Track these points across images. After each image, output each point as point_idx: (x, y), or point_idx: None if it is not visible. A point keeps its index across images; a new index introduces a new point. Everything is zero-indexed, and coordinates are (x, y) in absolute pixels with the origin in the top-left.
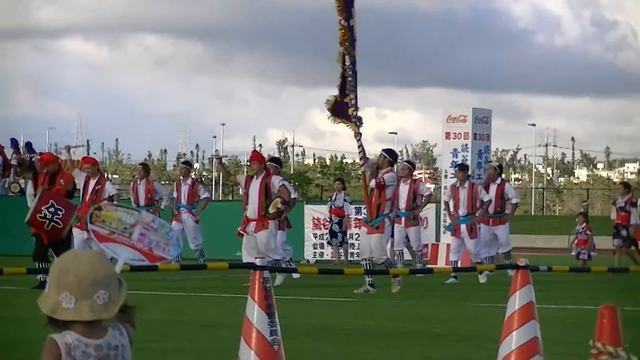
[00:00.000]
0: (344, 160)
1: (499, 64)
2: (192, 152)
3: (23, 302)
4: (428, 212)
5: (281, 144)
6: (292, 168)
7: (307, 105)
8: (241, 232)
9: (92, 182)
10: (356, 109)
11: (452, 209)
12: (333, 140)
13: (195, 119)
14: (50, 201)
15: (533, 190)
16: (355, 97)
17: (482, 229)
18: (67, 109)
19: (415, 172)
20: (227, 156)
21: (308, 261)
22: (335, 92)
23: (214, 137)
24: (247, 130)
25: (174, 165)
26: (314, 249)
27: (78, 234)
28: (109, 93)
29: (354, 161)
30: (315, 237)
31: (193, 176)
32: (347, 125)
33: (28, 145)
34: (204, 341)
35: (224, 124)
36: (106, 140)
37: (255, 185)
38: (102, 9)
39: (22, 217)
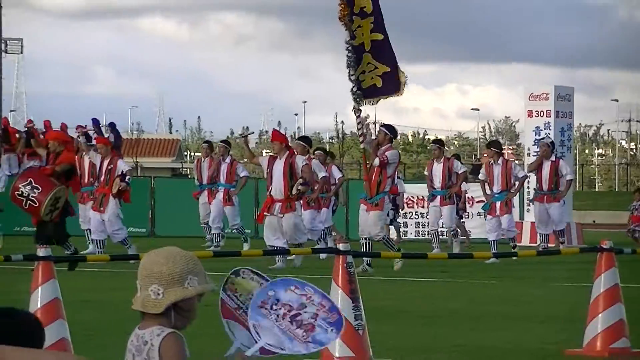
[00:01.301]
0: (426, 137)
1: (580, 39)
2: (274, 129)
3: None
4: None
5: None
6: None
7: None
8: (264, 212)
9: (105, 162)
10: (356, 84)
11: (487, 188)
12: (415, 117)
13: (276, 97)
14: (29, 179)
15: (617, 166)
16: (355, 73)
17: (536, 207)
18: (148, 88)
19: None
20: (252, 133)
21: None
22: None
23: (296, 114)
24: (329, 107)
25: (257, 143)
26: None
27: (95, 215)
28: (190, 71)
29: (436, 137)
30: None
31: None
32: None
33: (111, 125)
34: None
35: (305, 102)
36: (188, 119)
37: (279, 165)
38: None
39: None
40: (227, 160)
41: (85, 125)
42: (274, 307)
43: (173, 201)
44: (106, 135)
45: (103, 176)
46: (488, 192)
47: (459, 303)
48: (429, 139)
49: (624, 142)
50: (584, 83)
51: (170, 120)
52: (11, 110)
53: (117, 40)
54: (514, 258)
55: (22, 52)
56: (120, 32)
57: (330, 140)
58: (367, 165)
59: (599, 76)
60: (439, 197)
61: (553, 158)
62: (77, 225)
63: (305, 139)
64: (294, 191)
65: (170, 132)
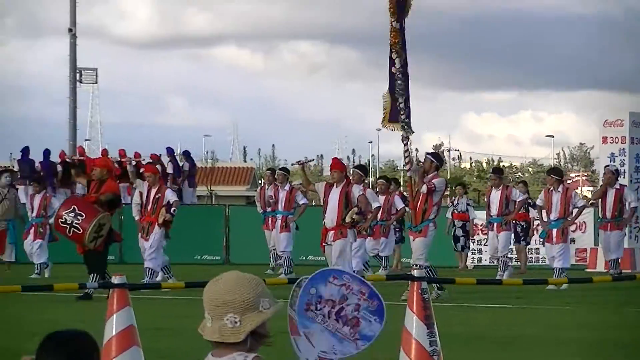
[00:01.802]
0: (501, 164)
1: None
2: (348, 157)
3: (180, 312)
4: (585, 217)
5: (437, 148)
6: (449, 172)
7: (462, 110)
8: (322, 244)
9: (153, 191)
10: (405, 113)
11: (544, 215)
12: (489, 144)
13: (350, 125)
14: (72, 206)
15: None
16: (405, 101)
17: (601, 235)
18: (222, 117)
19: (571, 175)
20: (312, 160)
21: (466, 267)
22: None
23: (370, 142)
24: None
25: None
26: (472, 254)
27: (144, 244)
28: (264, 100)
29: (511, 164)
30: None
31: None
32: (399, 130)
33: (186, 153)
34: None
35: (379, 129)
36: (262, 147)
37: (335, 193)
38: (255, 17)
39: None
40: (286, 187)
41: (159, 155)
42: (319, 306)
43: (247, 229)
44: (181, 164)
45: (150, 205)
46: (545, 219)
47: (535, 329)
48: (503, 165)
49: None
50: None
51: (244, 148)
52: (86, 140)
53: (191, 70)
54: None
55: (96, 82)
56: (193, 62)
57: (404, 168)
58: (412, 193)
59: None
60: (495, 224)
61: (617, 186)
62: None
63: (361, 167)
64: (348, 219)
65: (245, 161)
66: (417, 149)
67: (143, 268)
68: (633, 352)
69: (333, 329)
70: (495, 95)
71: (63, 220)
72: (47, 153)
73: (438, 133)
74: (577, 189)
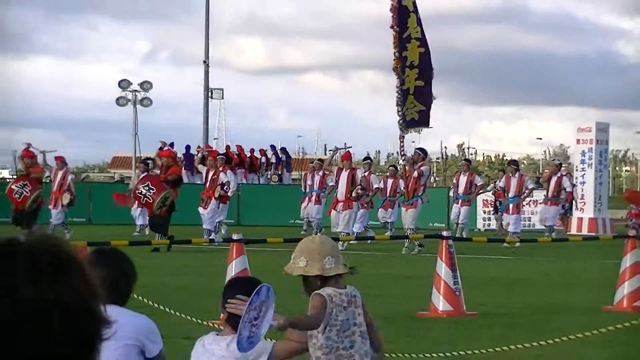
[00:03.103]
0: (504, 158)
1: (615, 88)
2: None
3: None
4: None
5: (460, 147)
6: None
7: (478, 119)
8: (331, 209)
9: (211, 173)
10: (402, 118)
11: (504, 194)
12: (497, 144)
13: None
14: (147, 182)
15: (638, 179)
16: (403, 109)
17: (543, 207)
18: (310, 123)
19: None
20: (350, 147)
21: (479, 229)
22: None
23: (413, 141)
24: (437, 137)
25: (384, 162)
26: (483, 220)
27: (202, 211)
28: (341, 112)
29: (512, 159)
30: (484, 212)
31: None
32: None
33: (283, 149)
34: (405, 288)
35: (420, 132)
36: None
37: (344, 176)
38: (334, 53)
39: (271, 198)
40: (320, 173)
41: (265, 150)
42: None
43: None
44: (280, 156)
45: (208, 183)
46: (504, 196)
47: (530, 275)
48: (506, 159)
49: None
50: (617, 120)
51: (325, 145)
52: (214, 139)
53: (289, 90)
54: (566, 242)
55: (222, 98)
56: (291, 84)
57: (437, 160)
58: (406, 177)
59: (627, 115)
60: (460, 200)
61: (559, 174)
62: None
63: (422, 149)
64: (354, 194)
65: (325, 154)
66: (445, 147)
67: (203, 229)
68: (595, 290)
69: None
70: (502, 109)
71: (139, 192)
72: (187, 147)
73: (461, 136)
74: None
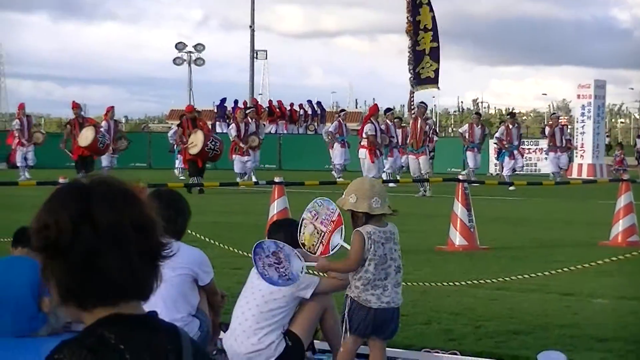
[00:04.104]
0: (513, 111)
1: (610, 51)
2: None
3: None
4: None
5: (475, 101)
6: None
7: (490, 77)
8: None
9: (243, 124)
10: (414, 76)
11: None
12: (507, 99)
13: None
14: (211, 137)
15: (631, 130)
16: (417, 68)
17: (551, 155)
18: (343, 80)
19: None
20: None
21: (491, 174)
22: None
23: (433, 96)
24: (454, 93)
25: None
26: (495, 166)
27: (239, 160)
28: (369, 70)
29: (520, 112)
30: (495, 158)
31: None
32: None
33: (318, 103)
34: (428, 225)
35: (439, 88)
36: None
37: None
38: (363, 19)
39: (308, 146)
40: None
41: (302, 104)
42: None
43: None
44: (316, 110)
45: (242, 133)
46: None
47: (535, 213)
48: (514, 112)
49: (636, 115)
50: (613, 77)
51: (356, 100)
52: (259, 94)
53: (324, 51)
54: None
55: (266, 58)
56: (326, 46)
57: (454, 113)
58: (415, 128)
59: (623, 73)
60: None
61: (560, 126)
62: None
63: (423, 103)
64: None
65: (356, 107)
66: (462, 101)
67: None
68: (592, 227)
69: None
70: (511, 68)
71: (209, 148)
72: (236, 102)
73: (475, 92)
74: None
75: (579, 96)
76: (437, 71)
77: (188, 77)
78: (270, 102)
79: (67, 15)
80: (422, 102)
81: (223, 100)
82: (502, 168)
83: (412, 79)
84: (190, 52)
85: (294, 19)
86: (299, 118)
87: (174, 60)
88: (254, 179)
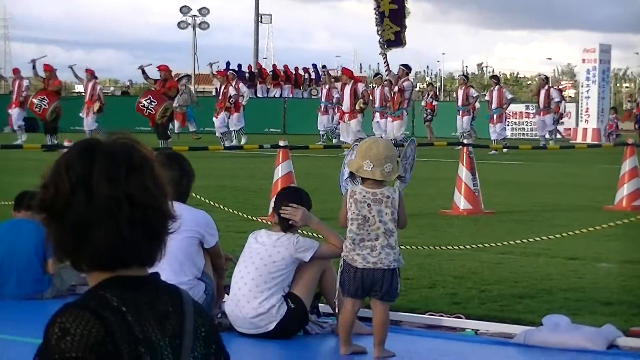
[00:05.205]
0: (519, 76)
1: (616, 15)
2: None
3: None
4: (570, 108)
5: (479, 66)
6: (485, 80)
7: (495, 41)
8: (339, 120)
9: (222, 88)
10: (381, 37)
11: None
12: (512, 63)
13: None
14: (148, 96)
15: (636, 93)
16: (380, 30)
17: (537, 118)
18: (348, 45)
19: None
20: (217, 62)
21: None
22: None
23: (438, 61)
24: (459, 57)
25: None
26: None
27: (219, 121)
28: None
29: (525, 76)
30: None
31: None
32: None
33: (324, 67)
34: (432, 189)
35: (444, 54)
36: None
37: (347, 90)
38: None
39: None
40: (326, 87)
41: (306, 68)
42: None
43: None
44: (321, 74)
45: (221, 96)
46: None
47: (539, 178)
48: (518, 76)
49: None
50: (619, 42)
51: (360, 65)
52: (264, 58)
53: (329, 15)
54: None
55: (271, 22)
56: (331, 10)
57: (459, 77)
58: (391, 91)
59: (628, 37)
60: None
61: (546, 87)
62: None
63: (405, 65)
64: (357, 107)
65: (360, 72)
66: (466, 66)
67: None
68: (597, 191)
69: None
70: (516, 32)
71: (143, 105)
72: (239, 66)
73: (480, 56)
74: (566, 91)
75: (584, 60)
76: (397, 33)
77: (192, 41)
78: (274, 66)
79: None
80: (402, 65)
81: (227, 64)
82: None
83: (380, 41)
84: (194, 15)
85: None
86: (303, 82)
87: (179, 24)
88: (243, 140)
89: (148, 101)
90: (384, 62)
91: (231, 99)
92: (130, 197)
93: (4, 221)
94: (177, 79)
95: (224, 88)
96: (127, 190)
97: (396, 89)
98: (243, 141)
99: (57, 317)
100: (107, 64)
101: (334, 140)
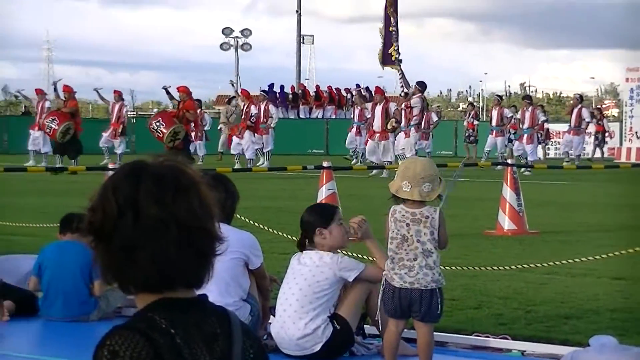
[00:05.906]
0: (561, 95)
1: None
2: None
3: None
4: (615, 127)
5: (522, 85)
6: None
7: (538, 61)
8: (368, 139)
9: (246, 107)
10: (398, 53)
11: (520, 125)
12: (555, 82)
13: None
14: (159, 118)
15: None
16: (397, 45)
17: (566, 136)
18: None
19: (605, 102)
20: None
21: (539, 158)
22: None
23: (480, 81)
24: (502, 77)
25: (455, 99)
26: (543, 149)
27: (236, 140)
28: (416, 52)
29: (567, 96)
30: (546, 143)
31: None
32: (393, 68)
33: (366, 88)
34: (474, 210)
35: (486, 73)
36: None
37: (378, 109)
38: (410, 3)
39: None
40: (358, 107)
41: (339, 89)
42: None
43: None
44: (364, 94)
45: (243, 115)
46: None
47: (583, 197)
48: (562, 96)
49: None
50: None
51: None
52: (306, 79)
53: (371, 36)
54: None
55: (313, 43)
56: (373, 30)
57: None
58: (400, 107)
59: None
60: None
61: (579, 106)
62: None
63: (420, 82)
64: (389, 126)
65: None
66: (509, 85)
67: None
68: (620, 209)
69: None
70: (559, 52)
71: (152, 127)
72: (282, 87)
73: (523, 75)
74: (609, 111)
75: (627, 79)
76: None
77: (235, 62)
78: (317, 87)
79: (115, 0)
80: (417, 83)
81: (271, 85)
82: (511, 149)
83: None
84: (237, 37)
85: (341, 4)
86: (346, 102)
87: (221, 45)
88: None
89: (157, 123)
90: (400, 79)
91: (252, 118)
92: (177, 219)
93: (50, 243)
94: (226, 100)
95: (246, 107)
96: (174, 211)
97: (403, 105)
98: (265, 164)
99: (107, 340)
100: (148, 86)
101: (353, 160)
